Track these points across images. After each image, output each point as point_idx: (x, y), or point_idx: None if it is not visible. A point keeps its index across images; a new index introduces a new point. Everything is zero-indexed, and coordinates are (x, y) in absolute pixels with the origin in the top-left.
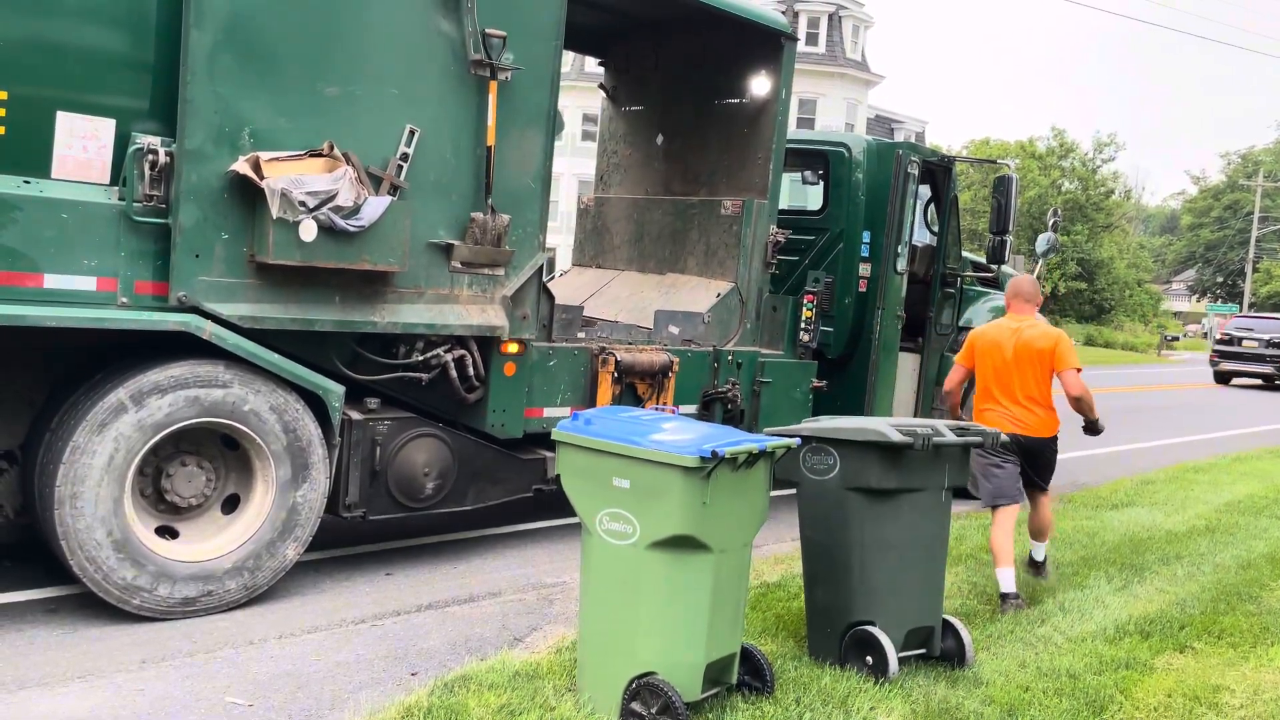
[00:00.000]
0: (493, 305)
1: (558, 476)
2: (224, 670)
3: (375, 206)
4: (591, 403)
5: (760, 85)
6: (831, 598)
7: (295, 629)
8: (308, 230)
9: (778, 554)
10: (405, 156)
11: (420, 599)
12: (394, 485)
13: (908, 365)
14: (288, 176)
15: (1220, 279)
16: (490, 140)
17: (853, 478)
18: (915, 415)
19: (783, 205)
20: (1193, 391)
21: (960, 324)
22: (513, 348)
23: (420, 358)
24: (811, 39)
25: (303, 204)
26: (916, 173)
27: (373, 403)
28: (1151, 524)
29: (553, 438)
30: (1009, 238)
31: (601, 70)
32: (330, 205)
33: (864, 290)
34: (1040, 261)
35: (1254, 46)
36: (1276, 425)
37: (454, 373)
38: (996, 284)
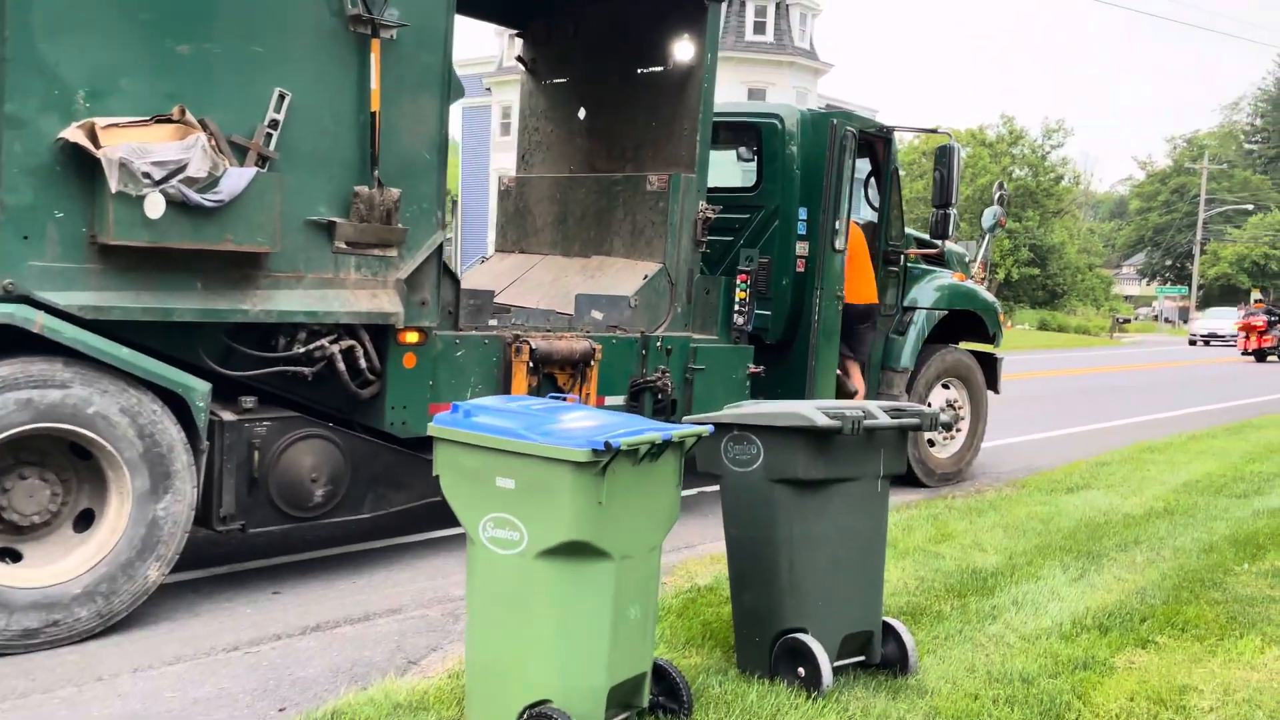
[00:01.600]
0: (385, 290)
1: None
2: (60, 713)
3: (237, 179)
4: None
5: (683, 51)
6: (759, 602)
7: (155, 660)
8: (154, 205)
9: (714, 553)
10: (274, 123)
11: (308, 620)
12: (276, 493)
13: None
14: (129, 145)
15: (1169, 262)
16: (374, 106)
17: (777, 468)
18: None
19: (723, 182)
20: (1145, 372)
21: (905, 304)
22: (411, 337)
23: (302, 350)
24: (759, 28)
25: (147, 176)
26: (853, 144)
27: (249, 401)
28: (1108, 507)
29: (429, 433)
30: (953, 211)
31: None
32: (181, 177)
33: (802, 270)
34: (987, 237)
35: (1198, 22)
36: (1228, 403)
37: (342, 365)
38: (942, 261)
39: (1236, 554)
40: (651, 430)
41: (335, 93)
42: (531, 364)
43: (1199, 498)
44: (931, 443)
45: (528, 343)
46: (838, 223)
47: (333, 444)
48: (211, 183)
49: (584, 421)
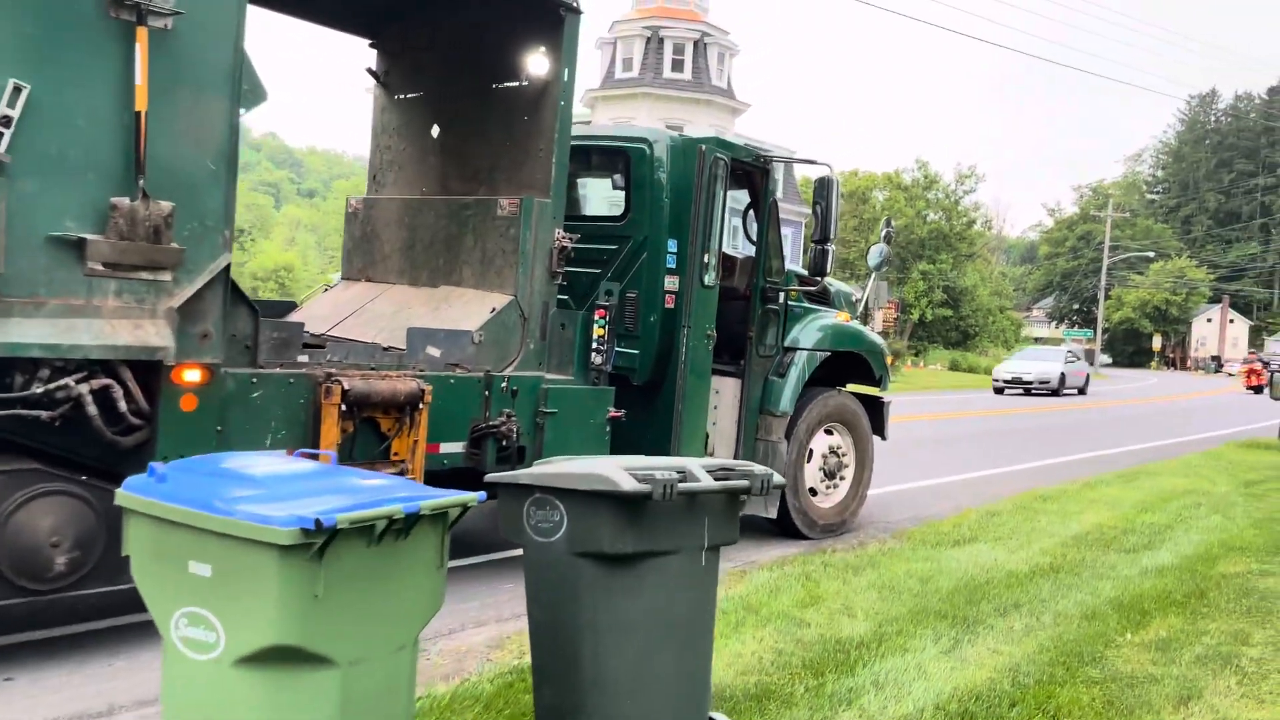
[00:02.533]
0: (154, 320)
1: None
2: None
3: None
4: (315, 444)
5: (538, 65)
6: (560, 699)
7: None
8: None
9: None
10: (6, 120)
11: (34, 715)
12: (5, 562)
13: (728, 392)
14: None
15: (1076, 306)
16: (139, 105)
17: (580, 539)
18: (737, 448)
19: (595, 211)
20: (1050, 414)
21: (786, 344)
22: (191, 374)
23: (40, 390)
24: (677, 65)
25: None
26: (724, 173)
27: None
28: (992, 564)
29: (116, 502)
30: (831, 246)
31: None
32: None
33: (672, 306)
34: (873, 275)
35: (1105, 72)
36: (1128, 448)
37: (93, 409)
38: (826, 299)
39: (1120, 621)
40: (392, 501)
41: (91, 88)
42: (345, 407)
43: (1087, 552)
44: (814, 491)
45: (340, 382)
46: (707, 256)
47: (82, 502)
48: None
49: (317, 488)
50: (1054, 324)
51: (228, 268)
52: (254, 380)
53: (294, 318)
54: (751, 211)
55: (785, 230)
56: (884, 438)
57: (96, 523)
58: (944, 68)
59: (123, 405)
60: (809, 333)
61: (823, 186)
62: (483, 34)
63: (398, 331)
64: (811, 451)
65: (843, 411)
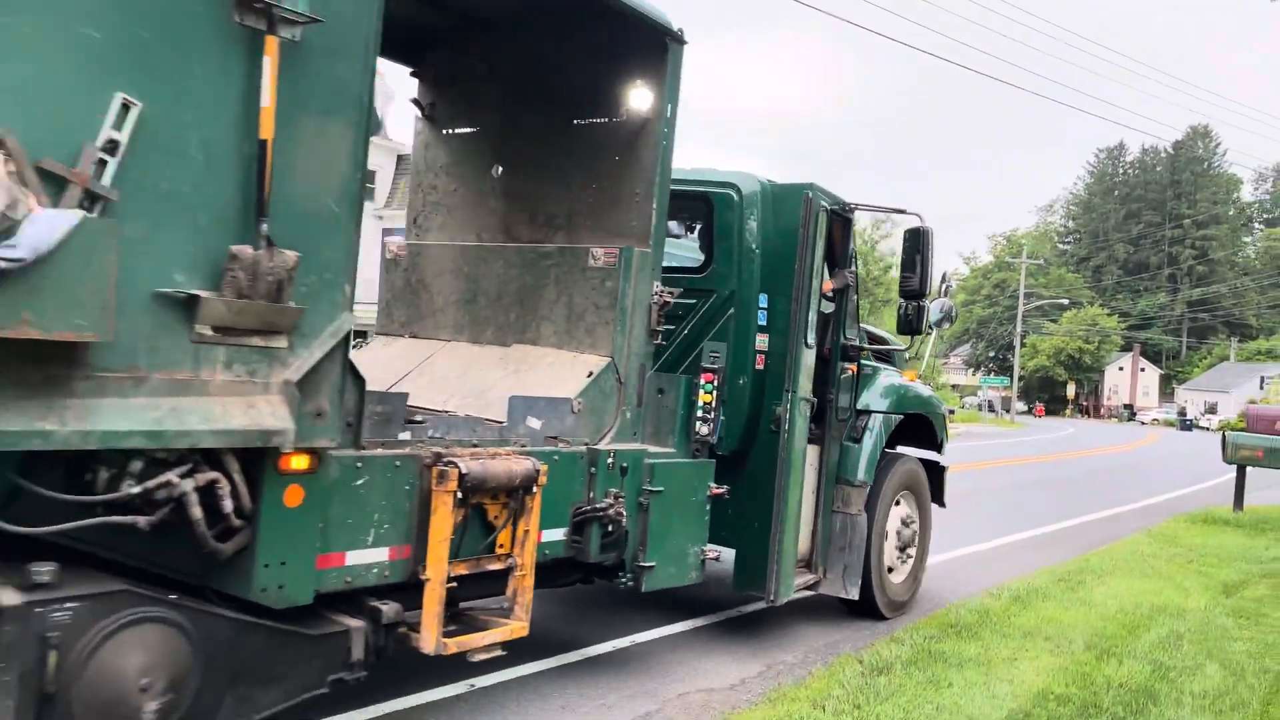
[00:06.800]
0: (268, 397)
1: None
2: None
3: (47, 227)
4: (420, 540)
5: (638, 99)
6: None
7: None
8: None
9: None
10: (113, 145)
11: None
12: (84, 714)
13: (809, 459)
14: None
15: (992, 353)
16: (265, 131)
17: None
18: (816, 520)
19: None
20: (973, 474)
21: (859, 406)
22: (299, 462)
23: (137, 489)
24: None
25: None
26: (826, 222)
27: (44, 571)
28: None
29: None
30: (927, 302)
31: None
32: None
33: (761, 367)
34: (933, 332)
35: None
36: (1061, 524)
37: (196, 511)
38: (889, 358)
39: None
40: None
41: (209, 108)
42: (460, 494)
43: None
44: (890, 568)
45: (455, 465)
46: (812, 313)
47: (177, 629)
48: (5, 231)
49: None
50: (971, 371)
51: (349, 332)
52: (359, 465)
53: None
54: (826, 264)
55: None
56: (942, 505)
57: (192, 655)
58: (860, 113)
59: (228, 504)
60: (879, 394)
61: (915, 237)
62: (560, 63)
63: (472, 396)
64: (887, 532)
65: (915, 479)
